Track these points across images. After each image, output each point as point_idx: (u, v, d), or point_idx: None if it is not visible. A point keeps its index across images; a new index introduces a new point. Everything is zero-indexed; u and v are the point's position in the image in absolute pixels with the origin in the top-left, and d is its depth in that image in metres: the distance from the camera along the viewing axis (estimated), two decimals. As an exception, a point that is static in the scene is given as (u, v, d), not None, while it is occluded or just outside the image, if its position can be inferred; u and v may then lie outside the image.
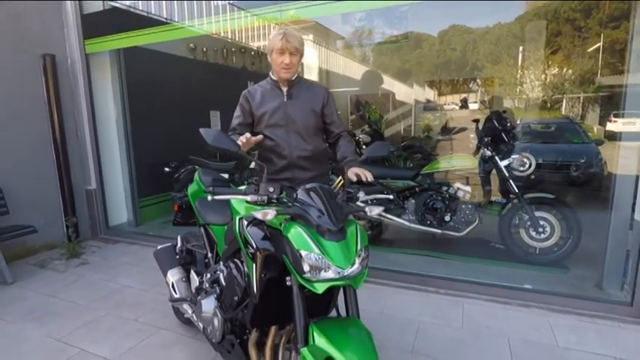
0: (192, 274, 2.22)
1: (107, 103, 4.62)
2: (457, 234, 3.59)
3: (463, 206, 3.58)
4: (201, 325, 1.99)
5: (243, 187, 1.68)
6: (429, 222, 3.70)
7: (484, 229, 3.64)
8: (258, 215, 1.37)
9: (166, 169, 4.92)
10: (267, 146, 1.99)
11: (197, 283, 2.13)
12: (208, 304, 1.82)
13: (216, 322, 1.78)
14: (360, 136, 6.93)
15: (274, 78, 2.00)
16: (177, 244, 2.45)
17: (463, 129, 6.65)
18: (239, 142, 1.64)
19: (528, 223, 3.35)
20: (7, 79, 3.82)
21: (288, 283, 1.41)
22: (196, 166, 4.87)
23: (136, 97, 4.75)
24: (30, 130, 4.01)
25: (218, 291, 1.85)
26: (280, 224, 1.45)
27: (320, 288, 1.30)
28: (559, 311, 2.64)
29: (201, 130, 1.54)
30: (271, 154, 1.99)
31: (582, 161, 6.11)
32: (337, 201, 1.48)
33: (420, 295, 2.94)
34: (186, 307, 2.16)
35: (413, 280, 3.07)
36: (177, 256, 2.39)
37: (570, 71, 16.77)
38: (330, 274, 1.30)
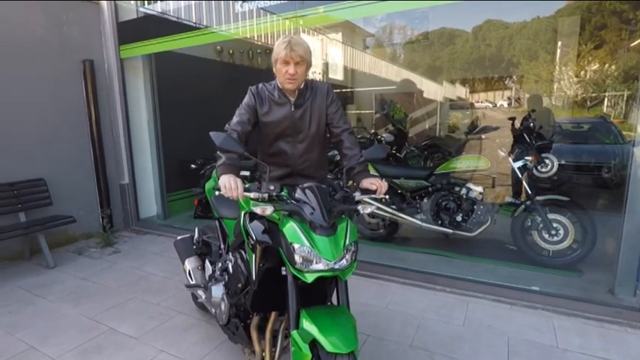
0: (207, 263, 2.42)
1: (139, 104, 4.97)
2: (469, 234, 3.61)
3: (475, 207, 3.60)
4: (213, 309, 2.19)
5: (248, 185, 1.85)
6: (441, 222, 3.75)
7: (497, 229, 3.65)
8: (258, 210, 1.53)
9: (193, 165, 5.22)
10: (271, 154, 1.95)
11: (210, 272, 2.33)
12: (217, 290, 2.01)
13: (223, 306, 1.96)
14: (384, 135, 6.98)
15: (280, 86, 1.90)
16: (194, 235, 2.67)
17: (486, 128, 6.54)
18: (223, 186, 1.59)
19: (541, 225, 3.33)
20: (53, 82, 4.21)
21: (284, 273, 1.56)
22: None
23: (166, 98, 5.08)
24: (71, 129, 4.40)
25: (226, 278, 2.03)
26: (279, 219, 1.60)
27: (309, 278, 1.44)
28: (565, 314, 2.63)
29: (211, 134, 1.70)
30: (274, 161, 1.94)
31: (615, 163, 5.88)
32: (332, 199, 1.61)
33: (426, 292, 3.01)
34: (200, 293, 2.37)
35: (420, 278, 3.14)
36: (195, 247, 2.61)
37: (613, 67, 15.86)
38: (319, 266, 1.43)
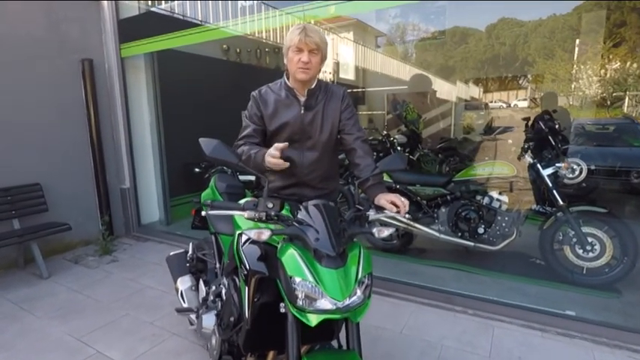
0: (201, 283, 2.17)
1: (141, 105, 4.76)
2: (492, 247, 3.29)
3: (499, 218, 3.28)
4: (204, 340, 1.94)
5: (243, 201, 1.59)
6: (460, 233, 3.44)
7: (523, 242, 3.32)
8: (252, 235, 1.27)
9: (196, 169, 5.00)
10: None
11: (204, 294, 2.08)
12: (208, 320, 1.75)
13: (214, 340, 1.71)
14: (396, 136, 6.68)
15: (290, 84, 1.72)
16: (189, 250, 2.42)
17: (507, 129, 6.20)
18: (270, 163, 1.51)
19: (574, 239, 3.00)
20: (50, 83, 4.02)
21: (282, 310, 1.29)
22: (224, 167, 4.91)
23: (169, 98, 4.85)
24: (70, 131, 4.20)
25: (219, 306, 1.78)
26: (279, 243, 1.34)
27: (313, 320, 1.17)
28: (607, 344, 2.31)
29: (201, 140, 1.47)
30: (279, 170, 1.69)
31: (645, 167, 5.48)
32: (341, 220, 1.35)
33: (446, 314, 2.72)
34: (193, 317, 2.12)
35: (439, 297, 2.85)
36: (188, 264, 2.36)
37: (635, 65, 15.27)
38: (324, 305, 1.17)
